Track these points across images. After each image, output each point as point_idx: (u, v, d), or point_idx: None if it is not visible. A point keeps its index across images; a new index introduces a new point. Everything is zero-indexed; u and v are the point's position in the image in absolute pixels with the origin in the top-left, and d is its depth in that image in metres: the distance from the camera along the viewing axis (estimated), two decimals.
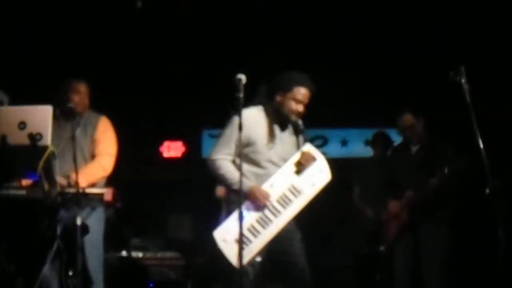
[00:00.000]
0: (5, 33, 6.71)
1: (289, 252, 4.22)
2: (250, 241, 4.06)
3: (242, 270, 3.78)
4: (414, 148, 5.43)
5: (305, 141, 4.32)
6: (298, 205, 4.18)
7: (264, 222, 4.14)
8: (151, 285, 6.82)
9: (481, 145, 3.61)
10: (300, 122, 4.29)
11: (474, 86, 3.76)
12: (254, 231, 4.12)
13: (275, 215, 4.14)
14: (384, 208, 5.48)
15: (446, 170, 4.95)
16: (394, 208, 5.35)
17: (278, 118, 4.32)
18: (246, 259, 3.94)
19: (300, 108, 4.27)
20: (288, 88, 4.27)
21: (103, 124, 4.99)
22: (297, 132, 4.35)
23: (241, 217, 3.71)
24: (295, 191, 4.20)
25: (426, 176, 5.11)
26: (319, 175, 4.24)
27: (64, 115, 4.78)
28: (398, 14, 7.04)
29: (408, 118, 5.38)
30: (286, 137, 4.35)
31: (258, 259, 3.95)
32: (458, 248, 5.39)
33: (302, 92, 4.26)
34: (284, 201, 4.18)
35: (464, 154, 4.95)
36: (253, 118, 4.23)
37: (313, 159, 4.24)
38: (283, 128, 4.34)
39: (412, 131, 5.37)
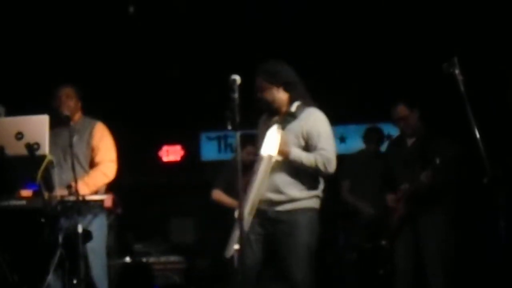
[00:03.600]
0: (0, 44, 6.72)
1: (284, 256, 4.23)
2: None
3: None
4: (409, 141, 5.43)
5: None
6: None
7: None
8: None
9: (478, 135, 3.61)
10: (292, 109, 4.28)
11: (470, 76, 3.77)
12: None
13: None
14: (382, 202, 5.47)
15: (437, 161, 4.95)
16: (390, 202, 5.35)
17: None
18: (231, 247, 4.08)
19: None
20: None
21: (99, 130, 4.98)
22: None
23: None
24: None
25: (420, 169, 5.11)
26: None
27: (59, 123, 4.75)
28: (393, 8, 7.04)
29: (402, 109, 5.38)
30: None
31: (236, 246, 3.96)
32: (459, 238, 5.40)
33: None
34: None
35: (455, 144, 4.95)
36: None
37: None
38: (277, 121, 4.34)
39: (406, 123, 5.37)
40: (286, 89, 4.32)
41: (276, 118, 4.34)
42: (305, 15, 7.15)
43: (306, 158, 4.20)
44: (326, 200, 4.42)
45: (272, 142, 4.13)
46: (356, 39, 7.51)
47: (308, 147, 4.26)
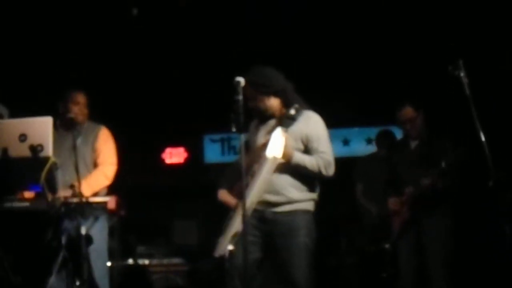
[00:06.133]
0: (3, 46, 6.72)
1: (283, 256, 4.21)
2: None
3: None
4: (413, 144, 5.42)
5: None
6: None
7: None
8: None
9: (483, 138, 3.60)
10: (291, 112, 4.24)
11: (475, 78, 3.75)
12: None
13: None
14: (386, 205, 5.46)
15: (443, 164, 4.94)
16: (393, 205, 5.34)
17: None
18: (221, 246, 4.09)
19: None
20: None
21: (103, 134, 5.02)
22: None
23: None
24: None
25: (425, 172, 5.10)
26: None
27: (64, 126, 4.79)
28: (396, 11, 7.03)
29: (408, 111, 5.36)
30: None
31: (230, 247, 3.96)
32: (462, 242, 5.38)
33: None
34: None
35: (461, 147, 4.93)
36: None
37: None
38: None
39: (412, 125, 5.35)
40: (277, 96, 4.32)
41: (273, 121, 4.33)
42: (305, 15, 7.14)
43: (309, 161, 4.21)
44: (329, 203, 4.42)
45: (276, 144, 4.12)
46: (359, 40, 7.49)
47: (307, 150, 4.27)
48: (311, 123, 4.30)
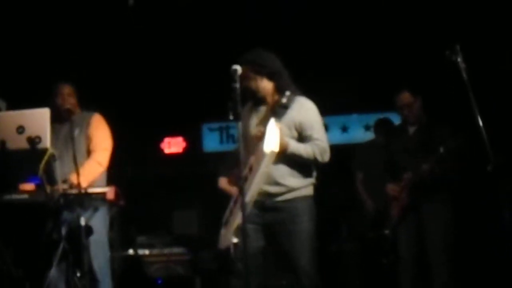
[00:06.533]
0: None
1: (287, 244, 4.23)
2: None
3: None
4: (411, 129, 5.41)
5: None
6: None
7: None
8: (159, 281, 6.84)
9: (481, 123, 3.60)
10: (284, 100, 4.21)
11: (473, 63, 3.75)
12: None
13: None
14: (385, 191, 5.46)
15: (441, 150, 4.94)
16: (392, 191, 5.34)
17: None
18: (226, 238, 4.09)
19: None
20: None
21: (95, 121, 5.00)
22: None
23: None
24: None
25: (423, 157, 5.09)
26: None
27: (58, 118, 4.77)
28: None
29: (406, 96, 5.36)
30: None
31: (235, 240, 3.98)
32: (462, 229, 5.38)
33: None
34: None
35: (459, 133, 4.93)
36: None
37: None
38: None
39: (409, 110, 5.35)
40: (271, 79, 4.31)
41: (265, 108, 4.34)
42: (305, 15, 7.13)
43: (304, 150, 4.22)
44: (328, 190, 4.42)
45: (272, 137, 4.11)
46: (357, 27, 7.48)
47: (301, 137, 4.28)
48: (303, 110, 4.28)
